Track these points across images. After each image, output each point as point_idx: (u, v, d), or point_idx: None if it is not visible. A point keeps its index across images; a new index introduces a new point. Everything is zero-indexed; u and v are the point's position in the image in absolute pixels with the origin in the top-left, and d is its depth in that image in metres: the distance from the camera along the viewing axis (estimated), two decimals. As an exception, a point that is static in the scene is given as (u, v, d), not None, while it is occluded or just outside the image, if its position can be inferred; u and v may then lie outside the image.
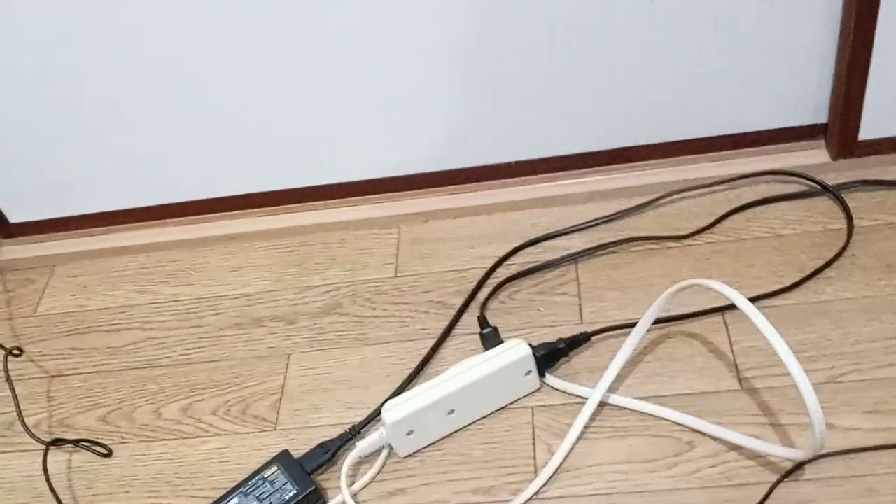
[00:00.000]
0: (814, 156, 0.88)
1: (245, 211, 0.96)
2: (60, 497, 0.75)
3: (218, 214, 0.96)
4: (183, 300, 0.90)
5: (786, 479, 0.66)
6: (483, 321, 0.80)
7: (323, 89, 0.86)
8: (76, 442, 0.79)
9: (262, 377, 0.81)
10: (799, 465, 0.66)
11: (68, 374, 0.86)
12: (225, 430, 0.78)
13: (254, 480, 0.71)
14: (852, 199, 0.83)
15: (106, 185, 0.95)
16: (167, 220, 0.97)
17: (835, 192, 0.84)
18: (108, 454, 0.78)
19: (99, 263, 0.96)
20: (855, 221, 0.82)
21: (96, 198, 0.97)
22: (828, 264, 0.79)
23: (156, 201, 0.96)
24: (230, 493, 0.71)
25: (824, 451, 0.66)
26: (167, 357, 0.85)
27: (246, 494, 0.70)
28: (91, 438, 0.79)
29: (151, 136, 0.90)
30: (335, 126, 0.89)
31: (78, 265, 0.97)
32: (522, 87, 0.85)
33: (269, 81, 0.85)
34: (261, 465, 0.72)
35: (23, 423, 0.80)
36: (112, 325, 0.90)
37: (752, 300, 0.76)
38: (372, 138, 0.90)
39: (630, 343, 0.73)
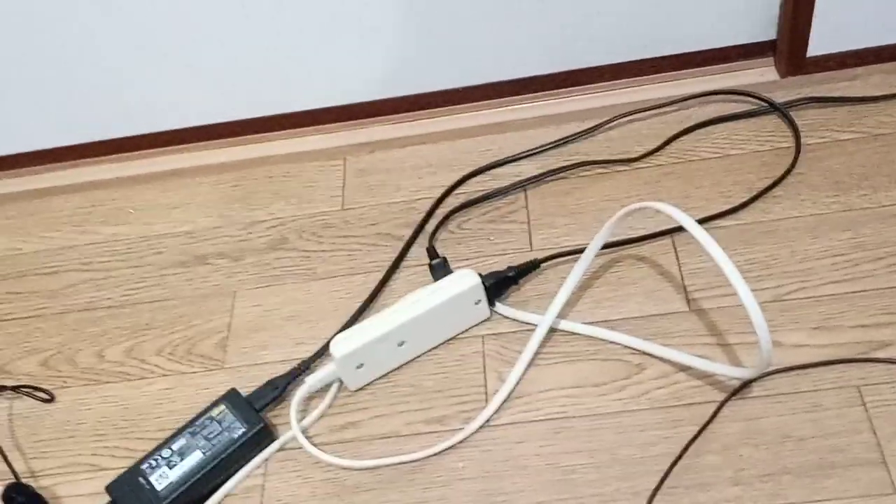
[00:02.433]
0: (762, 74, 0.87)
1: (184, 146, 0.93)
2: (2, 445, 0.73)
3: (156, 150, 0.93)
4: (122, 239, 0.88)
5: (733, 398, 0.66)
6: (432, 252, 0.79)
7: (264, 17, 0.83)
8: (16, 388, 0.77)
9: (208, 316, 0.80)
10: (746, 384, 0.67)
11: (6, 319, 0.83)
12: (171, 371, 0.76)
13: (201, 420, 0.70)
14: (800, 117, 0.83)
15: (39, 123, 0.91)
16: (103, 158, 0.94)
17: (783, 111, 0.83)
18: (51, 399, 0.76)
19: (34, 204, 0.93)
20: (803, 139, 0.81)
21: (29, 136, 0.93)
22: (776, 183, 0.78)
23: (91, 138, 0.93)
24: (177, 434, 0.70)
25: (771, 369, 0.66)
26: (108, 298, 0.83)
27: (194, 434, 0.69)
28: (32, 384, 0.77)
29: (83, 69, 0.86)
30: (276, 55, 0.86)
31: (11, 206, 0.93)
32: (469, 10, 0.83)
33: (207, 9, 0.82)
34: (208, 404, 0.71)
35: (-40, 370, 0.78)
36: (50, 267, 0.87)
37: (701, 221, 0.76)
38: (315, 67, 0.87)
39: (578, 269, 0.72)
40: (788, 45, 0.84)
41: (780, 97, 0.84)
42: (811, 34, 0.83)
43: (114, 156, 0.94)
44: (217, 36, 0.84)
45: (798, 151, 0.80)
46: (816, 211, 0.76)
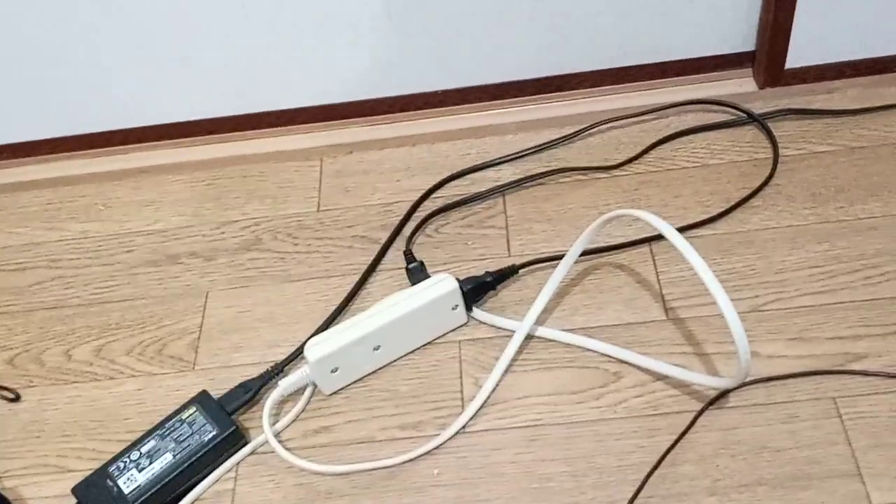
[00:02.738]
0: (741, 84, 0.87)
1: (158, 142, 0.91)
2: (-36, 445, 0.71)
3: (129, 146, 0.92)
4: (92, 237, 0.86)
5: (710, 407, 0.66)
6: (409, 256, 0.78)
7: (242, 14, 0.81)
8: (-20, 387, 0.75)
9: (179, 316, 0.78)
10: (723, 394, 0.67)
11: (-29, 317, 0.81)
12: (140, 372, 0.75)
13: (171, 422, 0.69)
14: (778, 128, 0.83)
15: (8, 116, 0.89)
16: (75, 153, 0.92)
17: (761, 122, 0.84)
18: (16, 399, 0.75)
19: (1, 199, 0.91)
20: (780, 150, 0.82)
21: (-2, 129, 0.91)
22: (753, 194, 0.79)
23: (62, 132, 0.91)
24: (146, 436, 0.68)
25: (748, 379, 0.66)
26: (77, 297, 0.81)
27: (163, 437, 0.68)
28: (-3, 383, 0.76)
29: (57, 62, 0.84)
30: (254, 53, 0.85)
31: (-22, 201, 0.91)
32: (451, 14, 0.82)
33: (184, 6, 0.80)
34: (179, 406, 0.70)
35: (-79, 368, 0.76)
36: (17, 263, 0.85)
37: (679, 230, 0.76)
38: (293, 66, 0.86)
39: (557, 275, 0.72)
40: (767, 57, 0.84)
41: (758, 108, 0.85)
42: (790, 46, 0.83)
43: (86, 151, 0.92)
44: (203, 31, 0.82)
45: (776, 163, 0.81)
46: (794, 222, 0.76)
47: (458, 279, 0.73)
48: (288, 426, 0.70)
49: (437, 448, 0.67)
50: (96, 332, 0.78)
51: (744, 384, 0.66)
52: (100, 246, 0.85)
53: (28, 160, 0.93)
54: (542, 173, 0.83)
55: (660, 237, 0.75)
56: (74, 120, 0.90)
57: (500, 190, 0.83)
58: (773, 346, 0.69)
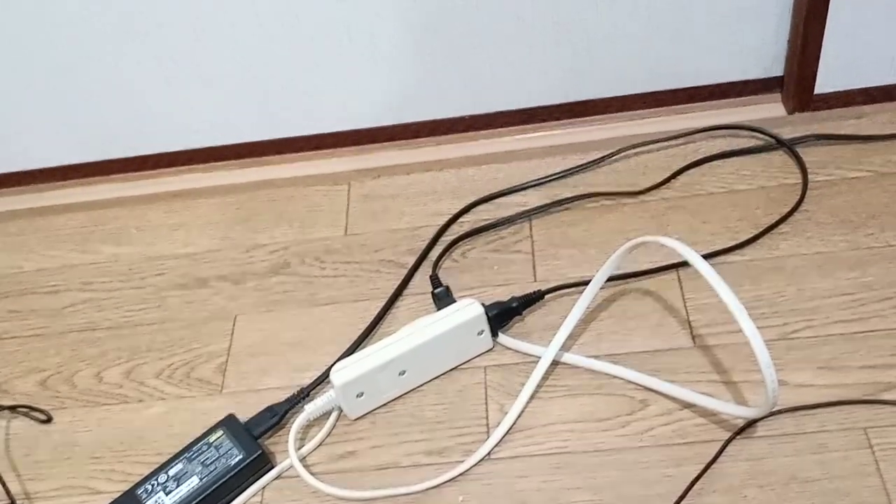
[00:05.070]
0: (770, 109, 0.87)
1: (189, 167, 0.93)
2: (-3, 465, 0.72)
3: (161, 171, 0.93)
4: (124, 260, 0.87)
5: (738, 437, 0.66)
6: (435, 280, 0.78)
7: (270, 41, 0.83)
8: (14, 408, 0.76)
9: (208, 339, 0.79)
10: (751, 423, 0.66)
11: (5, 338, 0.82)
12: (169, 394, 0.76)
13: (198, 445, 0.69)
14: (808, 154, 0.83)
15: (43, 141, 0.91)
16: (108, 177, 0.94)
17: (790, 147, 0.83)
18: (48, 420, 0.76)
19: (36, 222, 0.93)
20: (810, 176, 0.81)
21: (33, 153, 0.93)
22: (783, 220, 0.78)
23: (96, 157, 0.93)
24: (174, 459, 0.69)
25: (776, 409, 0.65)
26: (108, 319, 0.82)
27: (190, 460, 0.68)
28: (30, 404, 0.76)
29: (92, 89, 0.86)
30: (284, 79, 0.86)
31: (14, 224, 0.93)
32: (477, 40, 0.83)
33: (214, 32, 0.82)
34: (206, 429, 0.70)
35: (-44, 389, 0.77)
36: (51, 286, 0.86)
37: (707, 256, 0.76)
38: (322, 91, 0.87)
39: (583, 301, 0.72)
40: (796, 82, 0.84)
41: (787, 133, 0.84)
42: (819, 71, 0.83)
43: (118, 175, 0.93)
44: (234, 58, 0.84)
45: (805, 188, 0.80)
46: (823, 249, 0.76)
47: (483, 304, 0.73)
48: (313, 451, 0.70)
49: (461, 475, 0.67)
50: (126, 355, 0.79)
51: (772, 413, 0.66)
52: (131, 269, 0.86)
53: (61, 184, 0.94)
54: (569, 198, 0.83)
55: (687, 263, 0.74)
56: (107, 145, 0.92)
57: (527, 215, 0.83)
58: (803, 375, 0.68)
